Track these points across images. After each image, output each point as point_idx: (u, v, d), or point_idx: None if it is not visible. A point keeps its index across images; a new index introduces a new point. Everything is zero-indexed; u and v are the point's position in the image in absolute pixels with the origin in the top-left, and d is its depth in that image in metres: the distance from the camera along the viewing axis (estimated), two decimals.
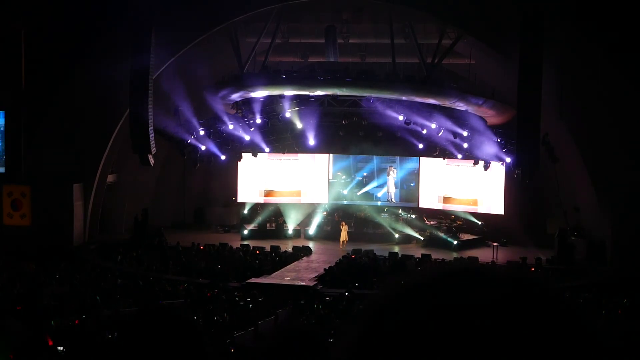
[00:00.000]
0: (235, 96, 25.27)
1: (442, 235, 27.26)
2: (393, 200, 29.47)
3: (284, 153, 28.90)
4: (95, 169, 25.84)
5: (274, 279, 20.72)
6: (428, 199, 28.80)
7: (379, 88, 24.26)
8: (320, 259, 24.29)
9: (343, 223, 27.30)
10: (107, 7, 23.28)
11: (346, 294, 18.32)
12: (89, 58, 24.17)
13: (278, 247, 25.12)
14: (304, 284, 20.13)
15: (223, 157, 27.13)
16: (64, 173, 24.60)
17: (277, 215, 29.40)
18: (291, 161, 29.40)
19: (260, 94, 25.07)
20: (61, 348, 9.50)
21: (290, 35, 26.96)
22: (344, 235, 26.73)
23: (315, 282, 20.30)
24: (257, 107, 25.61)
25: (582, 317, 0.89)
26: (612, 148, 22.52)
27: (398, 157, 29.29)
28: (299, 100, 25.90)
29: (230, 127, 26.00)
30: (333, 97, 25.76)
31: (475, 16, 23.12)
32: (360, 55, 27.92)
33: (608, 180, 22.57)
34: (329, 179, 29.67)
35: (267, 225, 29.09)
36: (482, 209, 27.69)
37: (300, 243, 26.77)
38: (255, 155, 28.19)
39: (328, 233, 28.24)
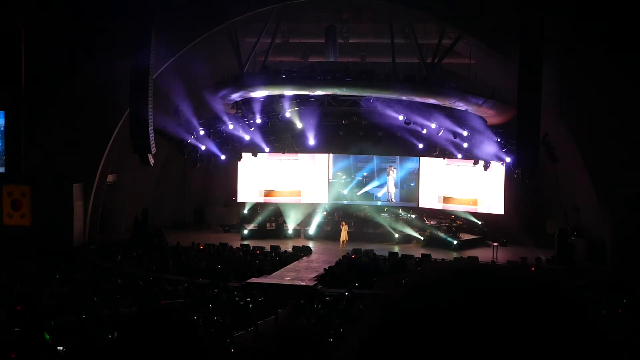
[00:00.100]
0: (235, 96, 25.27)
1: (442, 235, 27.27)
2: (393, 200, 29.47)
3: (284, 153, 28.90)
4: (95, 169, 25.84)
5: (274, 279, 20.72)
6: (428, 199, 28.81)
7: (378, 88, 24.26)
8: (320, 258, 24.29)
9: (343, 223, 27.30)
10: (107, 7, 23.26)
11: (346, 294, 18.31)
12: (89, 58, 24.17)
13: (278, 247, 25.12)
14: (304, 283, 20.13)
15: (223, 157, 27.14)
16: (64, 173, 24.60)
17: (277, 215, 29.40)
18: (291, 161, 29.40)
19: (260, 93, 25.08)
20: (61, 348, 9.50)
21: (290, 35, 26.97)
22: (344, 235, 26.74)
23: (315, 282, 20.29)
24: (257, 107, 25.61)
25: (596, 317, 0.89)
26: (612, 148, 22.51)
27: (398, 157, 29.30)
28: (298, 100, 25.90)
29: (230, 127, 26.00)
30: (333, 97, 25.76)
31: (475, 16, 23.12)
32: (360, 55, 27.91)
33: (608, 180, 22.57)
34: (329, 179, 29.68)
35: (267, 225, 29.10)
36: (482, 208, 27.70)
37: (300, 243, 26.77)
38: (255, 155, 28.20)
39: (328, 233, 28.24)
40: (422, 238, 27.47)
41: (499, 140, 24.87)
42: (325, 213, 29.31)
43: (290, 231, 28.61)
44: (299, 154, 29.25)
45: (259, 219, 29.16)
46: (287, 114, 25.99)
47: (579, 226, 24.75)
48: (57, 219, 24.65)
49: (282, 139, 28.34)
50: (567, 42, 21.98)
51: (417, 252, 24.88)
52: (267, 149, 28.15)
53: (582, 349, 0.85)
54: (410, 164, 29.36)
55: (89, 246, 25.31)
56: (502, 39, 22.83)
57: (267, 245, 25.56)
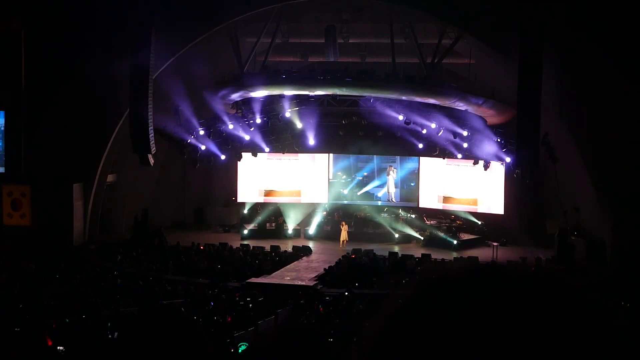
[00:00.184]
0: (235, 96, 25.27)
1: (442, 235, 27.28)
2: (393, 200, 29.47)
3: (283, 153, 28.90)
4: (95, 169, 25.84)
5: (274, 278, 20.72)
6: (428, 199, 28.81)
7: (378, 88, 24.27)
8: (320, 258, 24.28)
9: (343, 223, 27.30)
10: (107, 7, 23.27)
11: (346, 293, 18.32)
12: (88, 58, 24.18)
13: (278, 247, 25.12)
14: (304, 283, 20.13)
15: (223, 157, 27.13)
16: (64, 173, 24.59)
17: (277, 215, 29.40)
18: (291, 161, 29.40)
19: (260, 93, 25.08)
20: (61, 348, 9.50)
21: (290, 35, 26.96)
22: (344, 235, 26.74)
23: (315, 282, 20.29)
24: (257, 107, 25.61)
25: (607, 317, 0.89)
26: (612, 148, 22.51)
27: (398, 156, 29.31)
28: (298, 100, 25.91)
29: (230, 127, 26.00)
30: (333, 97, 25.77)
31: (475, 16, 23.11)
32: (360, 55, 27.91)
33: (608, 180, 22.57)
34: (329, 179, 29.68)
35: (267, 225, 29.10)
36: (482, 208, 27.71)
37: (300, 243, 26.77)
38: (255, 155, 28.20)
39: (328, 233, 28.24)
40: (422, 238, 27.47)
41: (498, 140, 24.88)
42: (325, 213, 29.31)
43: (290, 231, 28.61)
44: (299, 154, 29.26)
45: (259, 219, 29.16)
46: (287, 114, 25.99)
47: (579, 226, 24.75)
48: (57, 219, 24.65)
49: (282, 139, 28.34)
50: (567, 42, 21.98)
51: (417, 252, 24.88)
52: (267, 149, 28.15)
53: (597, 348, 0.85)
54: (410, 164, 29.36)
55: (89, 246, 25.31)
56: (502, 39, 22.82)
57: (267, 245, 25.56)
